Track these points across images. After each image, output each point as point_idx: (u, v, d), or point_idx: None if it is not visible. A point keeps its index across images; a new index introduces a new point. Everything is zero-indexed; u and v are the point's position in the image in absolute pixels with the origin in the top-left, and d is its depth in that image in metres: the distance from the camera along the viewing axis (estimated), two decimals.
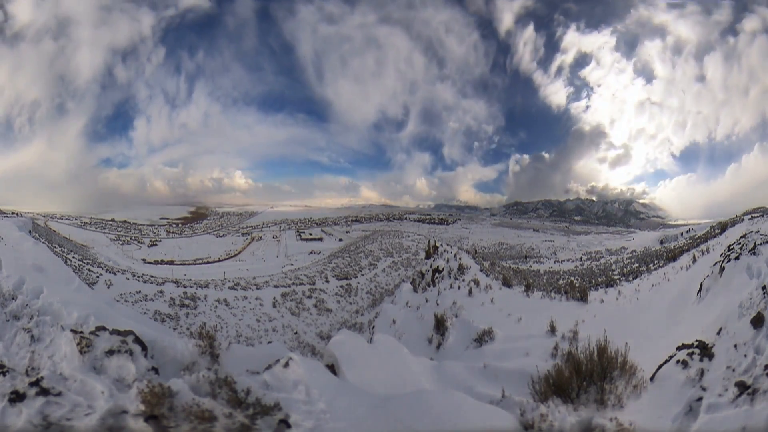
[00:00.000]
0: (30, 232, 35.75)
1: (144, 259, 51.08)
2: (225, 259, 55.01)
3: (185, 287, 36.21)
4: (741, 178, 54.78)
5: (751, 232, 11.75)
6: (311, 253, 58.15)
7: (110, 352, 3.00)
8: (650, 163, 67.41)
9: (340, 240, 67.55)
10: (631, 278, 24.12)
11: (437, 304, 15.39)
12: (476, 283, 17.78)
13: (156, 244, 57.86)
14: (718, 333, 3.78)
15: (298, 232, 67.89)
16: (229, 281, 41.57)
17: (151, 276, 40.74)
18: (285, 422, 2.47)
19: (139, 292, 33.77)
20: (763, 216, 24.48)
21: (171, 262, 50.07)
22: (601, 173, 73.32)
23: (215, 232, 64.49)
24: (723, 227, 27.34)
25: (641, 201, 69.18)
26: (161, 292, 34.28)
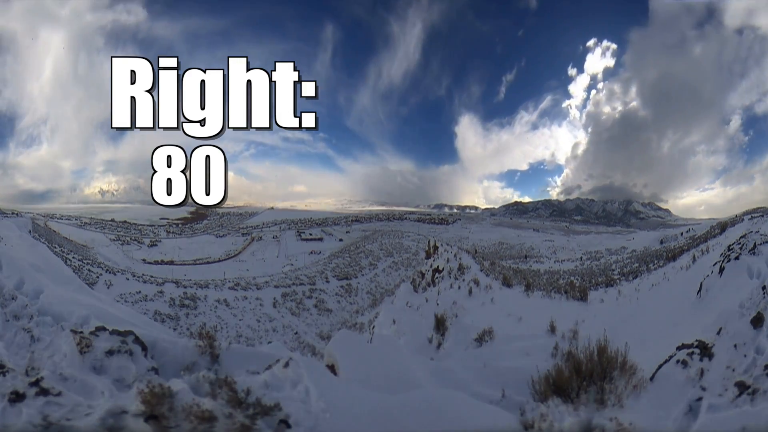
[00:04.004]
0: (30, 232, 35.75)
1: (144, 260, 51.09)
2: (225, 260, 55.01)
3: (185, 287, 36.22)
4: None
5: (751, 232, 11.74)
6: (311, 253, 58.15)
7: (110, 353, 3.00)
8: None
9: (340, 240, 67.56)
10: (631, 278, 24.14)
11: (437, 304, 15.39)
12: (476, 282, 17.78)
13: (156, 245, 57.89)
14: (718, 333, 3.78)
15: (298, 232, 67.92)
16: (229, 281, 41.59)
17: (151, 276, 40.74)
18: (285, 422, 2.47)
19: (139, 292, 33.79)
20: (763, 216, 24.48)
21: (171, 263, 50.09)
22: None
23: (215, 233, 64.52)
24: (723, 227, 27.33)
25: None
26: (161, 292, 34.30)
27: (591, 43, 55.40)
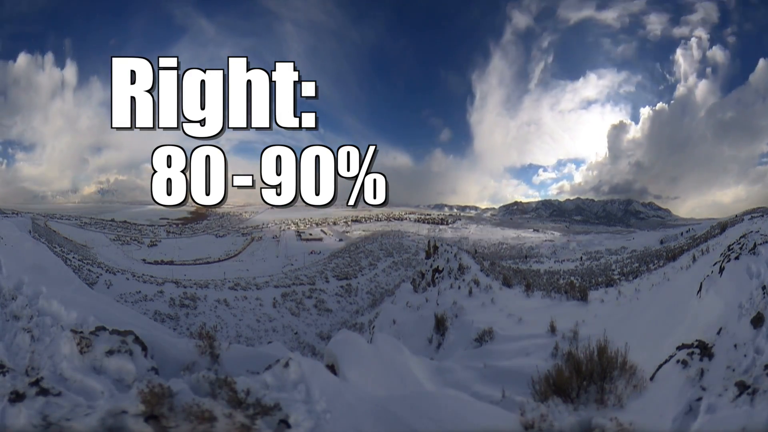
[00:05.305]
0: (30, 232, 35.75)
1: (144, 260, 51.08)
2: (225, 260, 54.99)
3: (185, 287, 36.22)
4: None
5: (751, 232, 11.73)
6: (311, 253, 58.12)
7: (110, 352, 3.00)
8: None
9: (340, 240, 67.48)
10: (631, 278, 24.16)
11: (437, 304, 15.38)
12: (476, 283, 17.77)
13: (156, 245, 57.89)
14: (718, 333, 3.78)
15: (298, 232, 67.85)
16: (229, 281, 41.56)
17: (151, 276, 40.73)
18: (285, 422, 2.47)
19: (139, 292, 33.80)
20: (763, 216, 24.47)
21: (171, 263, 50.11)
22: None
23: (215, 233, 64.50)
24: (723, 227, 27.34)
25: None
26: (161, 292, 34.30)
27: (730, 38, 42.05)
